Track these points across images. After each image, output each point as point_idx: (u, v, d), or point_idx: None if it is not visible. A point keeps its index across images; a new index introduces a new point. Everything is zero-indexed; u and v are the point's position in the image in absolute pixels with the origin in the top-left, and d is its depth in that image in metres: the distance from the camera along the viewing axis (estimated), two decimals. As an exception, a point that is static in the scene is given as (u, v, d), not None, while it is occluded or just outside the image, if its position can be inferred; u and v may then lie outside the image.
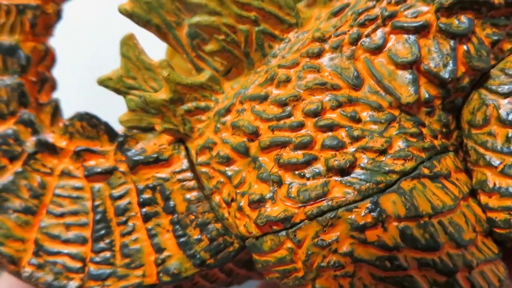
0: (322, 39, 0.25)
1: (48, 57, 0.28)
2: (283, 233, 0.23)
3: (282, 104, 0.24)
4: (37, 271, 0.25)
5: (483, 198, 0.25)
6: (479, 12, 0.24)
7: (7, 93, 0.26)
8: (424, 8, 0.24)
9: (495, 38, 0.25)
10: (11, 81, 0.26)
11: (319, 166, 0.23)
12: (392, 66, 0.24)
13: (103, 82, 0.27)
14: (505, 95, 0.24)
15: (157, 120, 0.26)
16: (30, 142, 0.26)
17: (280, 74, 0.25)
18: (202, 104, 0.25)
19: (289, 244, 0.23)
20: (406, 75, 0.24)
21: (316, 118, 0.24)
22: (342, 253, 0.22)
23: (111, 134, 0.27)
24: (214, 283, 0.28)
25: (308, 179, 0.23)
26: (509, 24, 0.25)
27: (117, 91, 0.27)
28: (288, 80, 0.24)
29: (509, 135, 0.24)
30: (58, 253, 0.25)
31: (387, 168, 0.23)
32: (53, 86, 0.29)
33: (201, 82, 0.25)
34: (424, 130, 0.24)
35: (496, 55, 0.25)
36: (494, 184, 0.24)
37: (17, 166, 0.26)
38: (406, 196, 0.23)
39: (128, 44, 0.27)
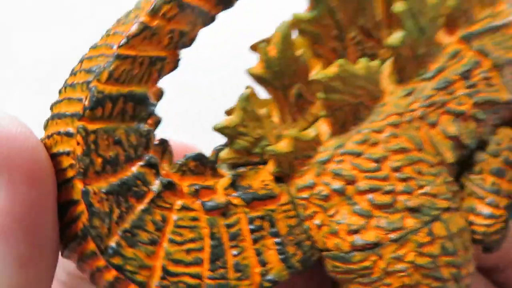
0: (400, 114, 0.33)
1: (159, 99, 0.32)
2: (370, 251, 0.32)
3: (375, 160, 0.33)
4: None
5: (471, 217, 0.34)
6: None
7: (136, 139, 0.30)
8: (464, 101, 0.33)
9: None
10: (141, 128, 0.30)
11: (397, 206, 0.33)
12: (441, 136, 0.33)
13: (221, 130, 0.31)
14: (495, 156, 0.35)
15: (255, 158, 0.33)
16: (156, 183, 0.30)
17: (372, 137, 0.33)
18: (306, 153, 0.33)
19: (373, 258, 0.32)
20: (450, 143, 0.33)
21: (397, 173, 0.33)
22: (407, 261, 0.32)
23: (214, 169, 0.32)
24: None
25: (390, 213, 0.32)
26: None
27: (228, 136, 0.32)
28: (377, 142, 0.33)
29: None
30: (181, 275, 0.31)
31: (437, 206, 0.33)
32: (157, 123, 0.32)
33: (312, 137, 0.33)
34: (451, 178, 0.34)
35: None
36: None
37: (143, 204, 0.30)
38: (445, 223, 0.33)
39: (249, 100, 0.31)
